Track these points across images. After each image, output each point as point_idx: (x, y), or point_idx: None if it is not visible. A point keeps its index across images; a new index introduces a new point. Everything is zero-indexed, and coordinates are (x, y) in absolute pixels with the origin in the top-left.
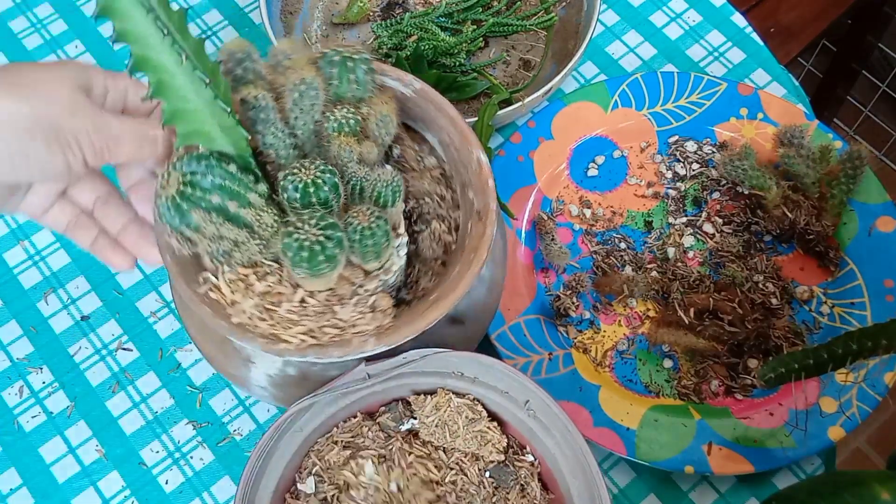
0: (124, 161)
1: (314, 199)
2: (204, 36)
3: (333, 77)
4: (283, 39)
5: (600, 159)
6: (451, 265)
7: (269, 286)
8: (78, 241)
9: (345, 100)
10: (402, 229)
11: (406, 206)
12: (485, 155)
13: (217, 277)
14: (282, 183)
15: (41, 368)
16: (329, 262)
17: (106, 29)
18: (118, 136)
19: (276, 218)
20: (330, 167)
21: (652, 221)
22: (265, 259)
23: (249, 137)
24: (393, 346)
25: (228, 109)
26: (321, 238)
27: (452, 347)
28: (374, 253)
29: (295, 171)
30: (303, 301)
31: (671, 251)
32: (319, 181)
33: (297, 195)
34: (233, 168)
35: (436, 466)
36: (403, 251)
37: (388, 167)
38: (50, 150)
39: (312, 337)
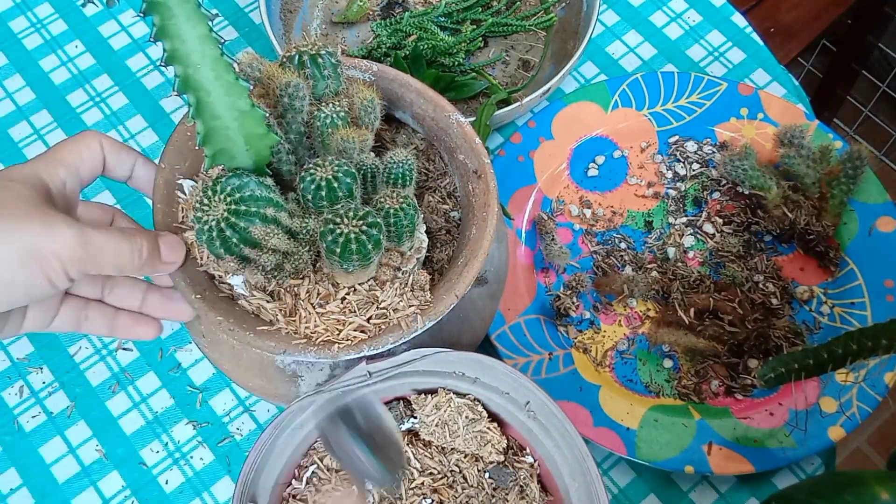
0: (109, 272)
1: (340, 193)
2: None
3: (309, 76)
4: (246, 53)
5: (600, 159)
6: (466, 228)
7: (308, 290)
8: (95, 332)
9: (324, 97)
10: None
11: None
12: (462, 116)
13: (251, 299)
14: (302, 185)
15: (41, 368)
16: (377, 248)
17: (106, 28)
18: (99, 248)
19: (319, 221)
20: (342, 160)
21: (652, 221)
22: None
23: (281, 139)
24: (439, 319)
25: (267, 112)
26: (363, 227)
27: (482, 306)
28: (409, 232)
29: (311, 170)
30: (344, 298)
31: (671, 251)
32: (340, 174)
33: (323, 192)
34: (269, 182)
35: (435, 466)
36: (423, 227)
37: (394, 149)
38: (30, 272)
39: (363, 332)
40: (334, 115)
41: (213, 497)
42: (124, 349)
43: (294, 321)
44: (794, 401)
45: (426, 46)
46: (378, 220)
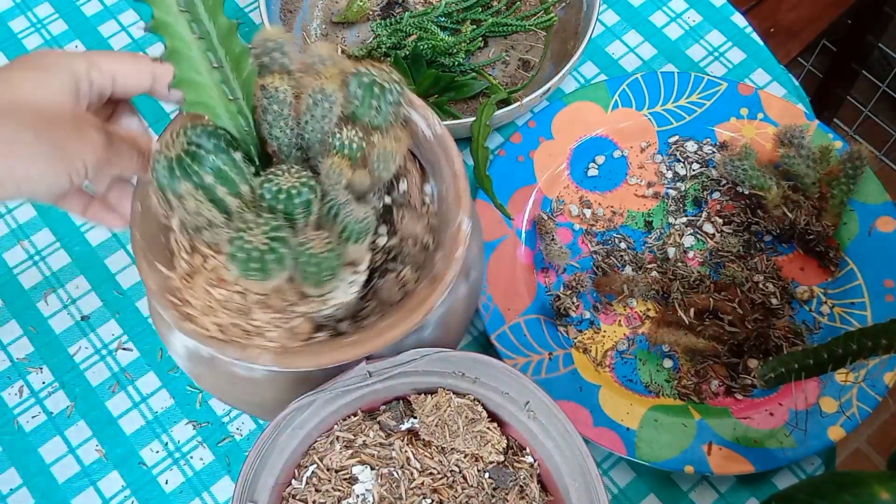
0: (116, 174)
1: (280, 207)
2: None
3: (356, 97)
4: (324, 44)
5: (600, 159)
6: (389, 315)
7: (214, 266)
8: (71, 209)
9: (360, 122)
10: (361, 267)
11: (389, 241)
12: (469, 222)
13: (179, 239)
14: (261, 180)
15: (41, 368)
16: (262, 272)
17: (106, 28)
18: (119, 153)
19: (256, 215)
20: (311, 182)
21: (652, 221)
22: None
23: (248, 128)
24: (285, 370)
25: (231, 97)
26: (262, 248)
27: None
28: (315, 281)
29: (278, 173)
30: (233, 294)
31: (671, 251)
32: (294, 192)
33: (269, 196)
34: (238, 156)
35: (435, 466)
36: (355, 289)
37: (365, 206)
38: (55, 171)
39: (220, 331)
40: (346, 142)
41: (213, 497)
42: (124, 349)
43: (187, 281)
44: (794, 401)
45: (426, 46)
46: (283, 250)
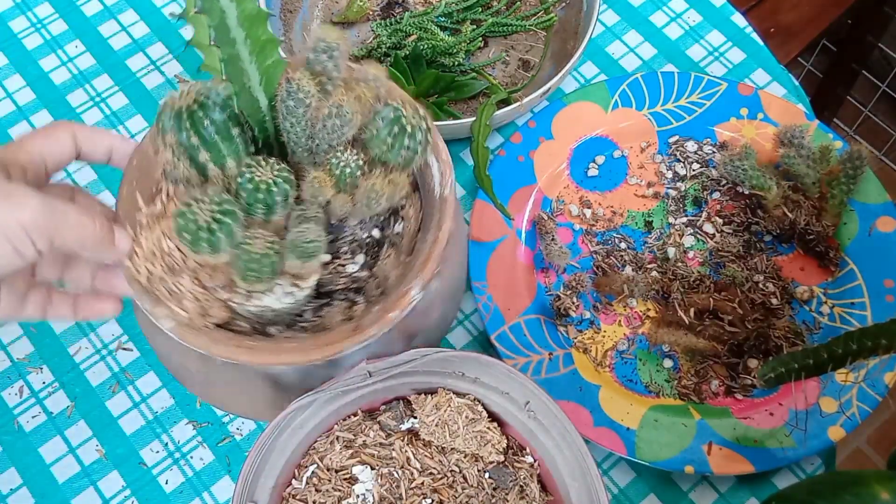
0: (71, 245)
1: (244, 194)
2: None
3: (373, 126)
4: (380, 68)
5: (600, 159)
6: (302, 339)
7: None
8: (61, 315)
9: (370, 151)
10: (306, 283)
11: (360, 272)
12: (421, 292)
13: (164, 182)
14: (246, 162)
15: (41, 368)
16: (193, 245)
17: (106, 28)
18: (64, 216)
19: (222, 192)
20: (286, 186)
21: (652, 221)
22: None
23: (254, 110)
24: (179, 341)
25: (224, 77)
26: (203, 224)
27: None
28: (242, 276)
29: (262, 163)
30: (178, 251)
31: (671, 251)
32: (263, 186)
33: (241, 180)
34: (236, 131)
35: (435, 466)
36: (287, 300)
37: (316, 227)
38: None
39: (148, 280)
40: (342, 164)
41: (213, 497)
42: (124, 349)
43: (152, 223)
44: (794, 401)
45: (426, 46)
46: (219, 236)
